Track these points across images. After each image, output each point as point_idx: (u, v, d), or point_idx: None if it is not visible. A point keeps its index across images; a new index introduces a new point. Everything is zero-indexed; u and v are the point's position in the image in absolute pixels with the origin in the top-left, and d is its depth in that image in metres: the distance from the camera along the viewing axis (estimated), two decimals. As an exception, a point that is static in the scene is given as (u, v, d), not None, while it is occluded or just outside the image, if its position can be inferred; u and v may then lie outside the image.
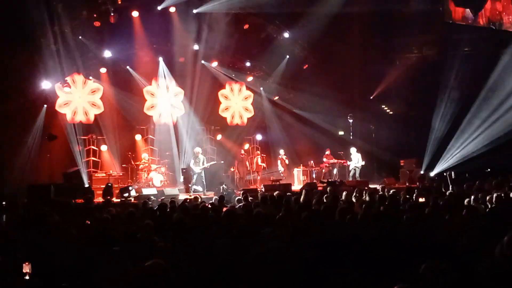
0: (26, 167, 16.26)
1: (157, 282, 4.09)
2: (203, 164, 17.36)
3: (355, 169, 20.11)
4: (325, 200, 10.20)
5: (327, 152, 20.97)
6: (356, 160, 20.16)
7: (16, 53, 15.92)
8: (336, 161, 20.70)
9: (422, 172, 20.32)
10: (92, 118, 18.36)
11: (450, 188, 13.27)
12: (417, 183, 17.98)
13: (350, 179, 19.48)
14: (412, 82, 21.67)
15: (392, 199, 10.14)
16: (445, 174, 19.24)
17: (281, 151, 21.16)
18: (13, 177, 15.43)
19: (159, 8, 17.67)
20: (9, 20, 15.30)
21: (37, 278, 4.89)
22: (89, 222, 8.27)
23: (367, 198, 10.99)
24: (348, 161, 20.59)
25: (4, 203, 10.44)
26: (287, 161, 21.11)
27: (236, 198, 12.52)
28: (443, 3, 19.44)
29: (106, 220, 7.56)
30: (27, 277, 4.83)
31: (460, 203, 9.21)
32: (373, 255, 5.59)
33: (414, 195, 11.75)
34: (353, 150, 20.39)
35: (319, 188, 16.42)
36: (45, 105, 17.54)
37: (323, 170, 20.88)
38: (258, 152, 21.27)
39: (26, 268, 4.85)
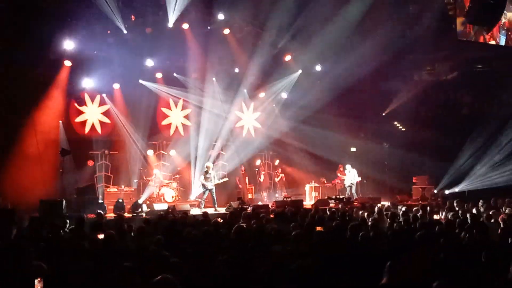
0: (40, 181, 16.32)
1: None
2: (213, 179, 17.27)
3: (351, 186, 19.86)
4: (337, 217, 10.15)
5: (341, 169, 20.89)
6: (352, 177, 19.92)
7: (31, 68, 16.10)
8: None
9: (435, 189, 20.16)
10: (104, 132, 18.57)
11: (465, 206, 13.13)
12: (429, 201, 17.88)
13: (355, 196, 19.33)
14: (425, 99, 21.57)
15: (404, 216, 10.08)
16: (457, 190, 19.14)
17: (280, 170, 21.34)
18: (27, 192, 15.48)
19: (169, 25, 17.79)
20: (25, 35, 15.52)
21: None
22: (100, 237, 8.24)
23: (378, 215, 10.91)
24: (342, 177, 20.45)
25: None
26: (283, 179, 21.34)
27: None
28: (456, 20, 19.36)
29: (114, 235, 7.53)
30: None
31: (474, 220, 9.11)
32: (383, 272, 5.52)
33: (427, 212, 11.65)
34: (348, 166, 20.10)
35: (331, 205, 16.38)
36: (61, 121, 17.71)
37: (336, 187, 20.83)
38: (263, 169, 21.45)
39: (38, 285, 4.83)
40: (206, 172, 17.17)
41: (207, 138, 20.31)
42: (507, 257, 5.22)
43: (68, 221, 11.12)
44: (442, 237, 7.18)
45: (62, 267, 5.77)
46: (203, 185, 17.13)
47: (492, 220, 9.65)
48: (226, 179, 18.43)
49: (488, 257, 5.63)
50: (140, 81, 19.09)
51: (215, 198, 17.10)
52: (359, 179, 20.08)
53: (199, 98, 20.27)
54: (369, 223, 9.30)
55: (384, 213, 11.17)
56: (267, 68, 20.90)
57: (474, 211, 11.53)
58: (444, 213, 11.40)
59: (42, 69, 16.57)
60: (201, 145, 20.05)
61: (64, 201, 14.11)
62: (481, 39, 18.95)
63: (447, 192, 19.75)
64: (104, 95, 18.59)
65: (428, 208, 12.43)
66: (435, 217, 10.94)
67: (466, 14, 17.55)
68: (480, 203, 12.83)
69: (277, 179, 21.40)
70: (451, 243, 6.91)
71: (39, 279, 4.84)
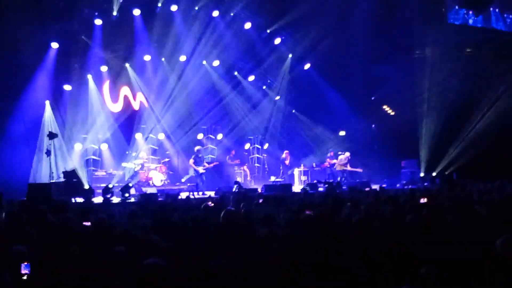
0: (28, 165, 16.23)
1: (156, 281, 4.06)
2: (203, 162, 17.22)
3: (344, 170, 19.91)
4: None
5: (331, 153, 20.81)
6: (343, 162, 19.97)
7: (18, 51, 15.92)
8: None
9: (422, 173, 20.29)
10: (93, 115, 18.41)
11: (452, 189, 13.21)
12: (418, 184, 17.98)
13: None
14: (413, 83, 21.60)
15: (393, 200, 10.11)
16: (446, 173, 19.29)
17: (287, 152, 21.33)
18: (15, 176, 15.36)
19: (159, 4, 17.62)
20: (10, 19, 15.30)
21: (36, 277, 4.85)
22: (88, 223, 8.19)
23: (370, 200, 10.94)
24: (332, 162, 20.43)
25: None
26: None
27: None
28: (446, 4, 19.36)
29: (104, 219, 7.49)
30: (25, 277, 4.78)
31: (462, 204, 9.16)
32: (375, 256, 5.54)
33: (416, 196, 11.69)
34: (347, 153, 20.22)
35: (320, 189, 16.42)
36: (48, 101, 17.52)
37: (327, 171, 20.81)
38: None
39: (25, 268, 4.80)
40: (196, 156, 17.12)
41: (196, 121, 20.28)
42: (494, 239, 5.24)
43: (56, 205, 11.06)
44: (429, 221, 7.21)
45: (50, 252, 5.74)
46: (194, 169, 17.09)
47: (480, 205, 9.69)
48: (217, 162, 18.39)
49: (475, 239, 5.67)
50: (126, 64, 18.94)
51: (204, 181, 17.08)
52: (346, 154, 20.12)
53: (187, 81, 20.10)
54: (362, 208, 9.31)
55: (374, 197, 11.20)
56: (256, 52, 20.81)
57: (461, 194, 11.59)
58: (432, 197, 11.43)
59: (29, 51, 16.37)
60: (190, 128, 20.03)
61: (52, 185, 14.02)
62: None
63: (434, 174, 19.87)
64: (90, 76, 18.39)
65: (415, 192, 12.50)
66: (422, 201, 10.96)
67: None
68: (468, 187, 12.91)
69: (287, 162, 21.15)
70: (438, 227, 6.93)
71: (25, 262, 4.81)
